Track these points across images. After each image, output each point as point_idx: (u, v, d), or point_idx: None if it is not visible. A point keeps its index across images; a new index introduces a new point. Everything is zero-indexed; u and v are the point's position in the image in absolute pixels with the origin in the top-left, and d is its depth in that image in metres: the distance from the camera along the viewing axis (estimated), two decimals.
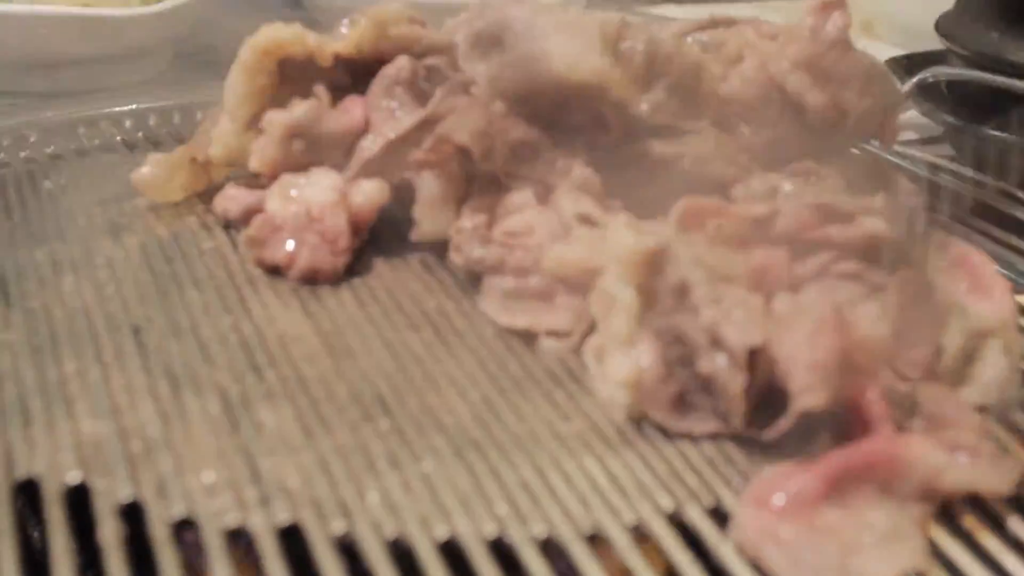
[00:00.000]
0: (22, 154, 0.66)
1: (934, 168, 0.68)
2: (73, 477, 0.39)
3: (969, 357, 0.47)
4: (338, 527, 0.37)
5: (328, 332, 0.49)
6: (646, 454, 0.42)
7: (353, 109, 0.58)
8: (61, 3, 0.92)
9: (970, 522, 0.40)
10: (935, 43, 0.87)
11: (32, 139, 0.67)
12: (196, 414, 0.43)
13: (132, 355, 0.46)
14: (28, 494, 0.39)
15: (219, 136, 0.59)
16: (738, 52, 0.56)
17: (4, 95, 0.92)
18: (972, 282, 0.49)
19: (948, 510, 0.40)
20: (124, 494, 0.38)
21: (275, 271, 0.54)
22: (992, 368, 0.46)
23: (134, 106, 0.73)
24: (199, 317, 0.49)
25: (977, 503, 0.41)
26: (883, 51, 1.04)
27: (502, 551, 0.37)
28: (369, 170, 0.56)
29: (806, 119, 0.55)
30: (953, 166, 0.68)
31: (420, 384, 0.46)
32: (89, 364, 0.46)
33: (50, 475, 0.39)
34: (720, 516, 0.39)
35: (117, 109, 0.72)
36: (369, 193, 0.55)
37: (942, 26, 0.84)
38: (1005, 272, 0.59)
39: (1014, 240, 0.61)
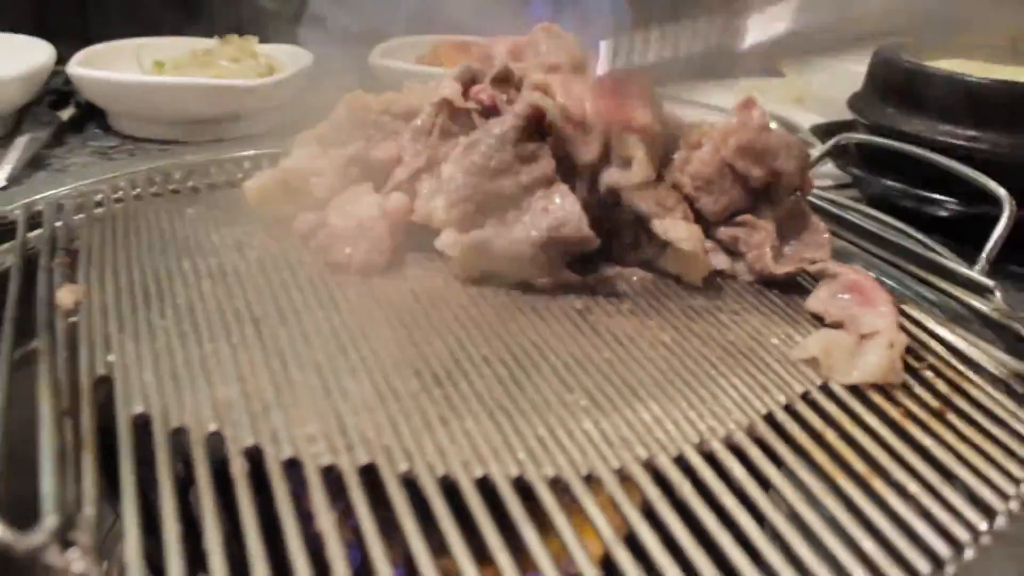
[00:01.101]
0: (170, 187, 0.65)
1: (844, 208, 0.67)
2: (211, 427, 0.38)
3: (861, 350, 0.47)
4: (403, 467, 0.37)
5: (395, 324, 0.48)
6: (629, 418, 0.41)
7: (390, 147, 0.58)
8: (200, 76, 0.93)
9: None
10: (848, 114, 0.87)
11: (176, 176, 0.67)
12: (299, 383, 0.42)
13: (253, 340, 0.46)
14: (178, 440, 0.38)
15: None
16: (698, 140, 0.56)
17: (155, 142, 0.92)
18: (863, 299, 0.49)
19: None
20: (247, 440, 0.38)
21: (340, 269, 0.53)
22: (875, 356, 0.46)
23: (251, 152, 0.72)
24: (301, 311, 0.48)
25: None
26: (810, 119, 1.03)
27: (523, 487, 0.37)
28: (399, 189, 0.56)
29: (750, 185, 0.56)
30: (858, 206, 0.67)
31: (463, 362, 0.45)
32: (221, 345, 0.45)
33: (194, 426, 0.38)
34: (683, 464, 0.39)
35: (239, 154, 0.72)
36: (397, 202, 0.54)
37: (852, 103, 0.83)
38: (896, 287, 0.58)
39: (902, 263, 0.60)
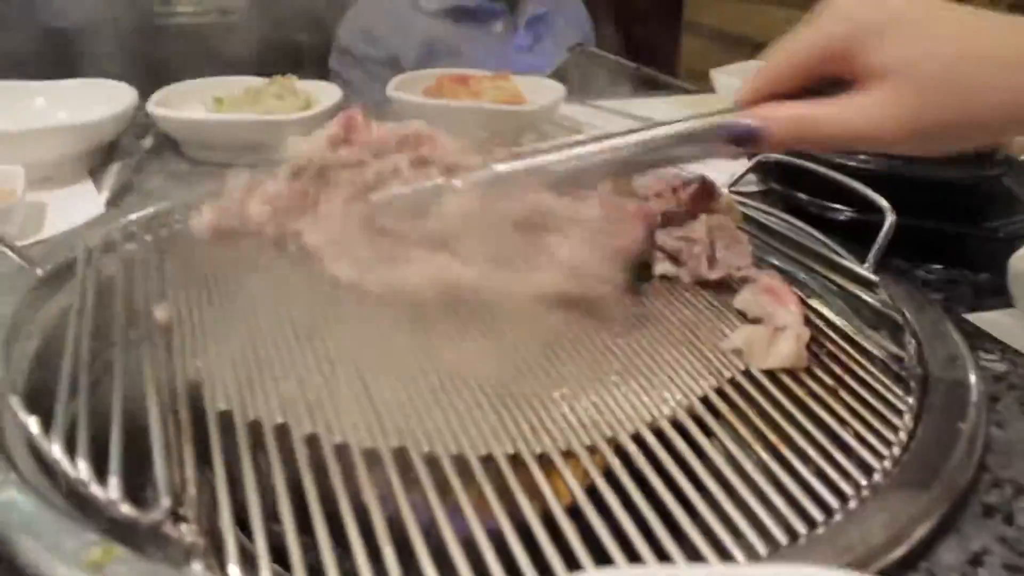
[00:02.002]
0: None
1: (765, 213, 0.67)
2: (278, 419, 0.40)
3: (775, 341, 0.48)
4: (426, 447, 0.39)
5: (415, 332, 0.47)
6: (596, 402, 0.43)
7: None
8: (251, 112, 0.93)
9: None
10: None
11: None
12: (344, 383, 0.43)
13: (308, 347, 0.46)
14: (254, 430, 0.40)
15: None
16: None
17: (217, 165, 0.93)
18: (777, 299, 0.51)
19: None
20: (307, 429, 0.40)
21: None
22: (786, 346, 0.48)
23: None
24: (342, 320, 0.48)
25: None
26: None
27: (519, 461, 0.39)
28: None
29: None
30: (776, 212, 0.67)
31: (477, 365, 0.45)
32: (282, 351, 0.46)
33: (266, 418, 0.40)
34: (638, 439, 0.40)
35: None
36: None
37: None
38: (804, 280, 0.60)
39: (809, 261, 0.61)
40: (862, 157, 0.70)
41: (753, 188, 0.84)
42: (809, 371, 0.48)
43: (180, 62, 1.17)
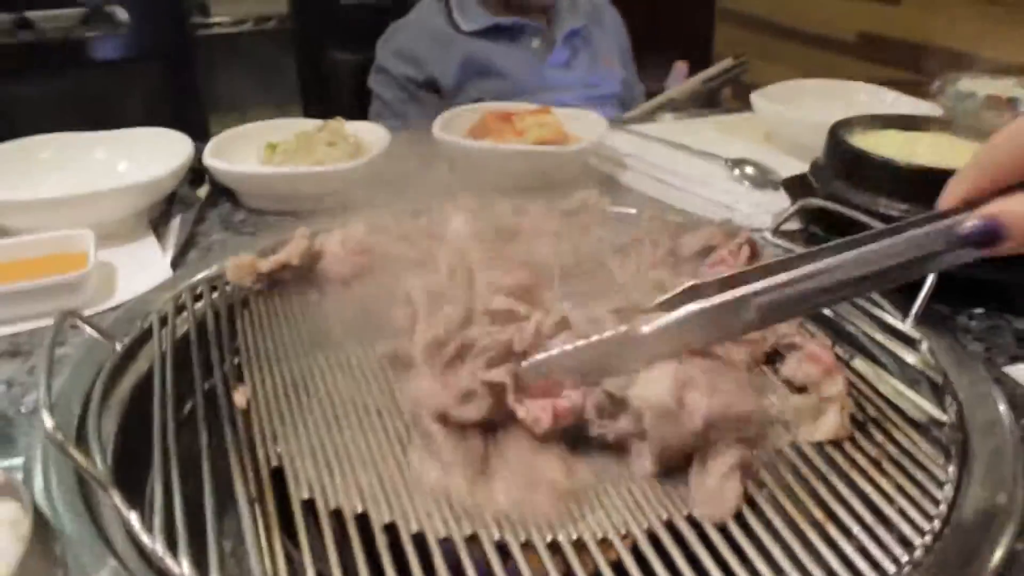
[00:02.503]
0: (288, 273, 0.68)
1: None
2: (358, 508, 0.43)
3: (820, 412, 0.50)
4: (496, 536, 0.42)
5: None
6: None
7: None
8: (304, 161, 0.97)
9: None
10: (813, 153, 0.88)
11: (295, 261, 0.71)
12: (418, 466, 0.46)
13: (379, 428, 0.49)
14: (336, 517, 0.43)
15: None
16: None
17: (273, 214, 0.97)
18: (821, 367, 0.52)
19: None
20: (385, 517, 0.43)
21: None
22: (830, 418, 0.50)
23: None
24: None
25: None
26: (782, 163, 1.06)
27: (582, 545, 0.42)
28: None
29: None
30: None
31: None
32: (356, 435, 0.49)
33: (346, 506, 0.43)
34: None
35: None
36: None
37: (813, 171, 0.85)
38: (849, 336, 0.62)
39: (852, 318, 0.62)
40: (903, 207, 0.72)
41: (795, 226, 0.86)
42: (852, 440, 0.50)
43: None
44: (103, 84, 1.80)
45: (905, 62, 3.17)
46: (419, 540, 0.42)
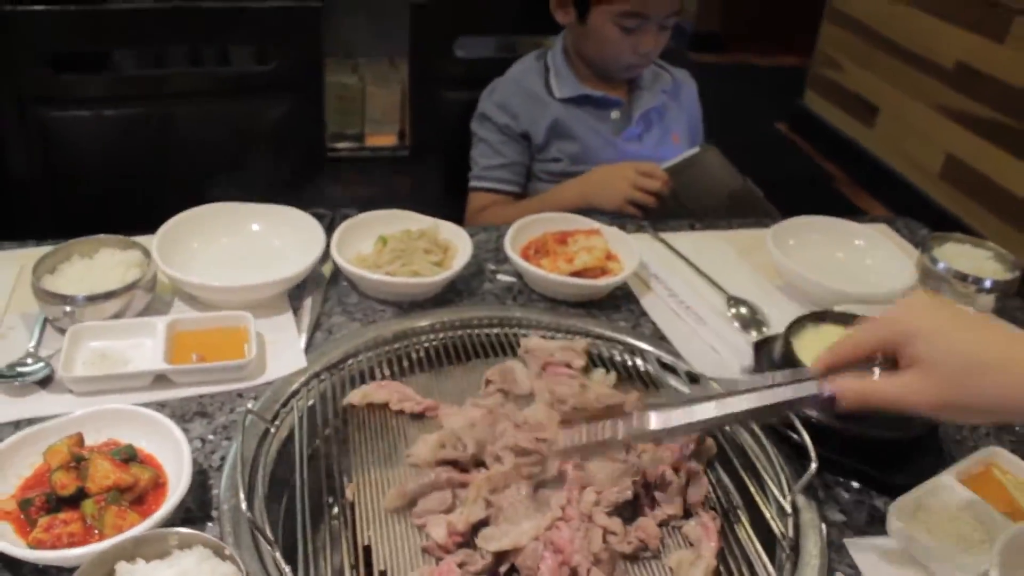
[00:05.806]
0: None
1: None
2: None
3: (692, 567, 0.84)
4: None
5: None
6: None
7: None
8: (402, 267, 1.29)
9: None
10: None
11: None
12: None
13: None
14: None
15: None
16: None
17: (381, 302, 1.26)
18: (705, 533, 0.84)
19: None
20: None
21: None
22: (698, 572, 0.84)
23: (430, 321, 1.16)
24: None
25: None
26: (791, 306, 1.31)
27: None
28: None
29: None
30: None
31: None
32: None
33: (390, 569, 0.78)
34: None
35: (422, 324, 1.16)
36: None
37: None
38: (738, 506, 0.94)
39: (752, 487, 0.95)
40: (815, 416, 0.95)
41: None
42: None
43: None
44: None
45: (998, 101, 3.31)
46: None
